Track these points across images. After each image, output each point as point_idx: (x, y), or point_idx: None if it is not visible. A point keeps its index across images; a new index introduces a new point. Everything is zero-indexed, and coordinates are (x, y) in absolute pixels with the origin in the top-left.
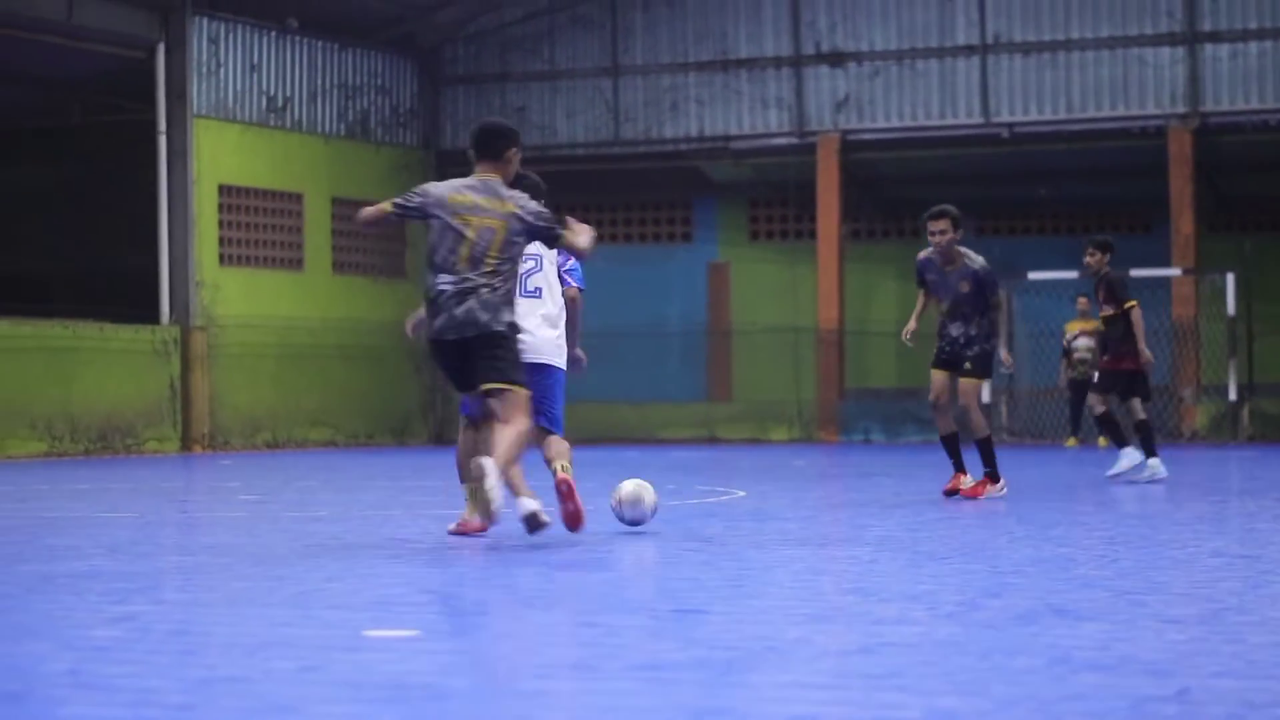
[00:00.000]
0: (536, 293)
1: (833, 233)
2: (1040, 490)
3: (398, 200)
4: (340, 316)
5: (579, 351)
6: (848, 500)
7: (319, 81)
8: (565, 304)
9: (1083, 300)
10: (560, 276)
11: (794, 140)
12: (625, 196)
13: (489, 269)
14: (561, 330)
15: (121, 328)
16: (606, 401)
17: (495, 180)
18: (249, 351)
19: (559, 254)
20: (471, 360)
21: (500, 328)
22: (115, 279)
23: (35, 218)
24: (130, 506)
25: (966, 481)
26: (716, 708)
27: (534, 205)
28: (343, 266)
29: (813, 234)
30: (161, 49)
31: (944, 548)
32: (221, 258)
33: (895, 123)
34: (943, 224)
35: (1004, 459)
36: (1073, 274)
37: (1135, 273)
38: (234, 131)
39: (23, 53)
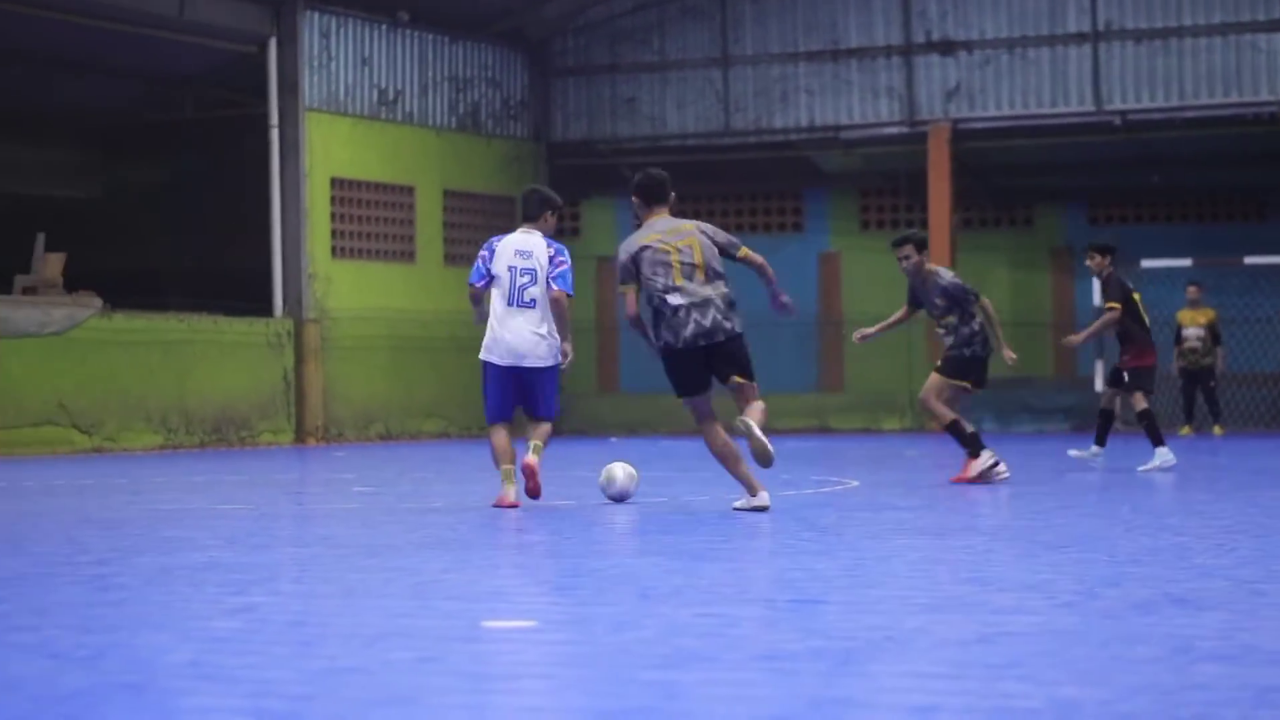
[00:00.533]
0: (532, 304)
1: (944, 222)
2: (1154, 479)
3: (621, 277)
4: (452, 308)
5: (567, 346)
6: (961, 490)
7: (430, 74)
8: (552, 305)
9: (1193, 289)
10: (547, 282)
11: (904, 129)
12: (735, 187)
13: (704, 279)
14: (554, 334)
15: (235, 321)
16: (718, 392)
17: (665, 217)
18: (362, 344)
19: (550, 264)
20: (715, 359)
21: (739, 330)
22: (228, 272)
23: (149, 212)
24: (246, 499)
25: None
26: (836, 698)
27: (708, 225)
28: (454, 259)
29: (924, 223)
30: (273, 43)
31: (1060, 537)
32: (334, 250)
33: (1006, 111)
34: (906, 249)
35: (1120, 448)
36: (1186, 262)
37: (1249, 260)
38: (345, 124)
39: (135, 48)
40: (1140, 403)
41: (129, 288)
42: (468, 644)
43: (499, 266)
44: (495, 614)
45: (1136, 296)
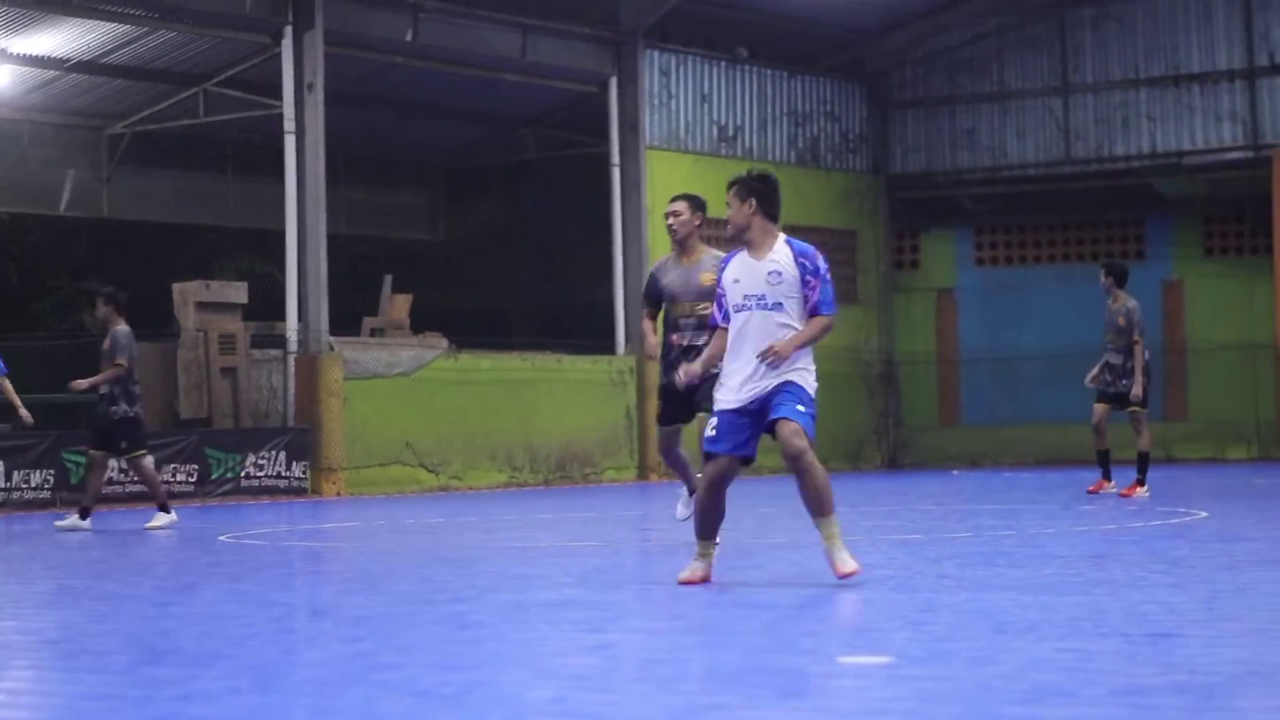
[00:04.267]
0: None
1: None
2: None
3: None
4: None
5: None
6: None
7: (769, 109)
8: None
9: None
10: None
11: (1248, 154)
12: (1077, 215)
13: None
14: None
15: (579, 359)
16: (1062, 423)
17: None
18: None
19: None
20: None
21: None
22: (572, 310)
23: (492, 252)
24: (594, 535)
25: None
26: None
27: None
28: None
29: (1269, 249)
30: (614, 82)
31: None
32: None
33: None
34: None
35: None
36: None
37: None
38: (686, 162)
39: (481, 91)
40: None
41: (476, 327)
42: (827, 680)
43: None
44: (852, 649)
45: None
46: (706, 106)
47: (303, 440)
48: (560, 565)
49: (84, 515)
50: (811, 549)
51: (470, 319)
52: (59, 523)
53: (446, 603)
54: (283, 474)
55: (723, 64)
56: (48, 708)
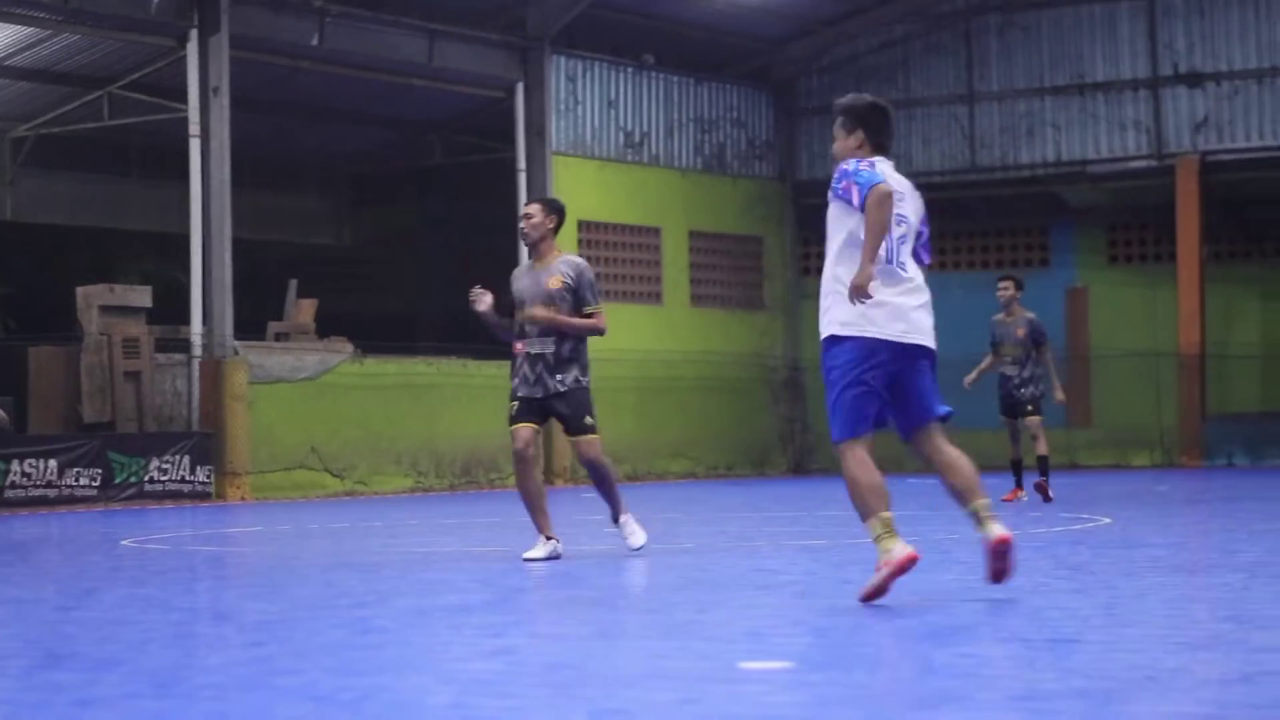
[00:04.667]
0: (904, 270)
1: (1193, 255)
2: None
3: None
4: (698, 349)
5: None
6: (1216, 526)
7: (675, 116)
8: None
9: None
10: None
11: (1152, 163)
12: (982, 223)
13: None
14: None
15: (484, 363)
16: (966, 430)
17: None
18: (609, 385)
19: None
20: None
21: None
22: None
23: (398, 257)
24: (498, 541)
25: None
26: None
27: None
28: (700, 299)
29: (1173, 257)
30: (520, 88)
31: None
32: None
33: (1256, 143)
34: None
35: None
36: None
37: None
38: (592, 167)
39: (387, 96)
40: None
41: (381, 332)
42: (726, 685)
43: None
44: (752, 655)
45: None
46: (613, 112)
47: (207, 445)
48: (463, 570)
49: None
50: (716, 554)
51: (376, 324)
52: None
53: (349, 608)
54: (187, 478)
55: (629, 70)
56: None
